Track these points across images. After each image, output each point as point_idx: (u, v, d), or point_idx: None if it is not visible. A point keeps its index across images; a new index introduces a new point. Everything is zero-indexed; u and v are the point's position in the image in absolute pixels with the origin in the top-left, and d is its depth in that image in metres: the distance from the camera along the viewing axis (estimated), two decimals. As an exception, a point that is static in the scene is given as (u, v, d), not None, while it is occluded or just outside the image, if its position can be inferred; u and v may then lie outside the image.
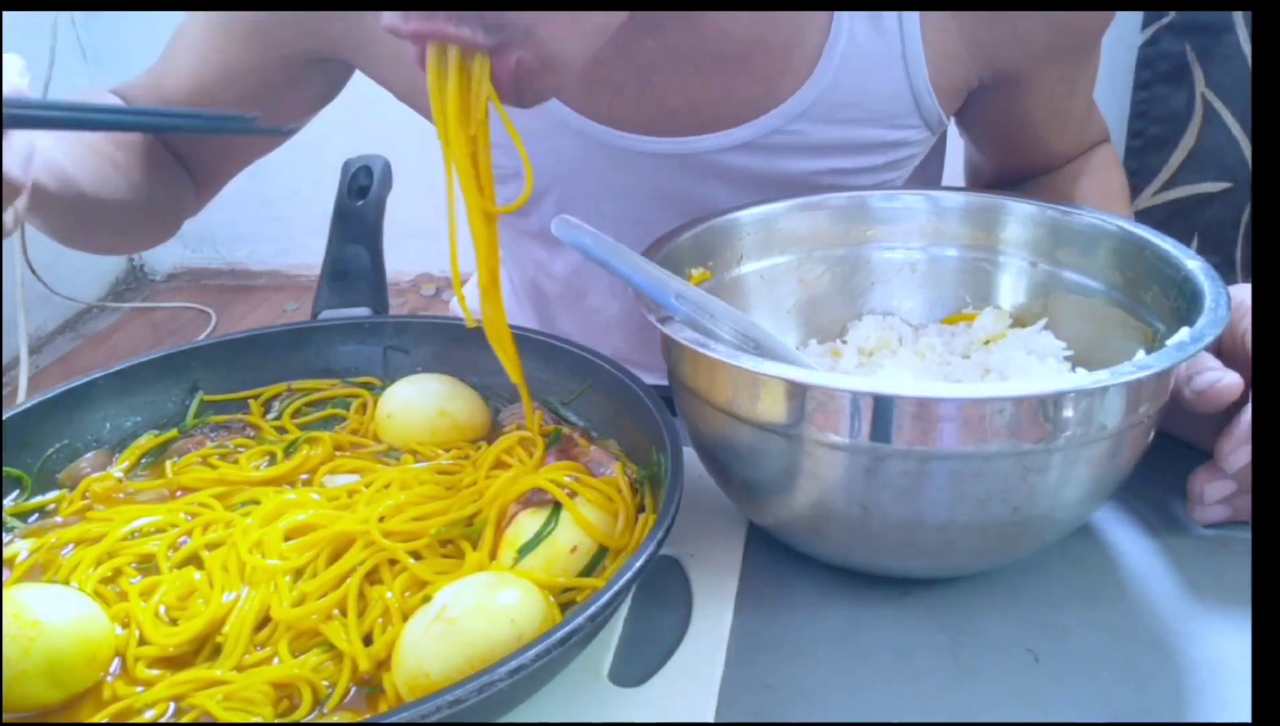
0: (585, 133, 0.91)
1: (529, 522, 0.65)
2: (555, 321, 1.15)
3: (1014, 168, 1.08)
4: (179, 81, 1.00)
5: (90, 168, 0.87)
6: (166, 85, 1.01)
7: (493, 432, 0.80)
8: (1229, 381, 0.66)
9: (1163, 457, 0.69)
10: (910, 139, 0.93)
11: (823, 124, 0.90)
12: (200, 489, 0.74)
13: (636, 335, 1.08)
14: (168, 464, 0.76)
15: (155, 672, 0.59)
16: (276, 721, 0.56)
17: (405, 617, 0.59)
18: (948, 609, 0.67)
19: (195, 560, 0.67)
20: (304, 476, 0.76)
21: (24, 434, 0.75)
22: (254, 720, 0.56)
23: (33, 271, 2.98)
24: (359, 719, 0.56)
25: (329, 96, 1.06)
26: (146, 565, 0.67)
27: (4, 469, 0.72)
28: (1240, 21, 1.83)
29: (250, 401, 0.84)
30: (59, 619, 0.58)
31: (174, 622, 0.62)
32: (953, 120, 1.01)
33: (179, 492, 0.74)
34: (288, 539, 0.66)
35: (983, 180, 1.13)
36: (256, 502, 0.71)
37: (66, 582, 0.64)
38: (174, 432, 0.80)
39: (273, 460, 0.77)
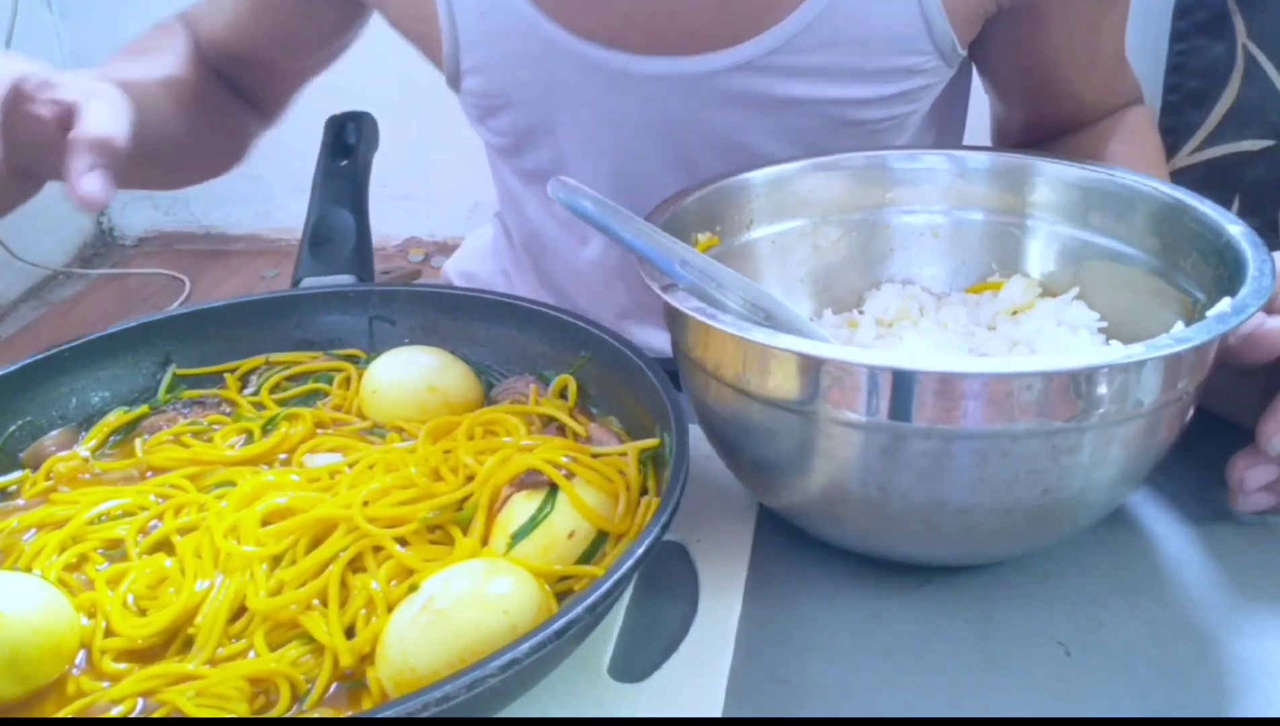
0: (578, 55, 0.91)
1: (523, 506, 0.64)
2: (555, 275, 1.16)
3: (1040, 120, 1.08)
4: (224, 12, 1.11)
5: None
6: (216, 16, 1.11)
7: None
8: (1275, 324, 0.65)
9: (1203, 437, 0.68)
10: (922, 66, 0.92)
11: (826, 46, 0.89)
12: (172, 469, 0.73)
13: (641, 286, 1.08)
14: (137, 442, 0.76)
15: (123, 666, 0.59)
16: (253, 717, 0.56)
17: (390, 608, 0.58)
18: (972, 599, 0.66)
19: (166, 546, 0.66)
20: (282, 456, 0.75)
21: (-17, 410, 0.74)
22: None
23: (-5, 235, 2.99)
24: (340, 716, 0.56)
25: (346, 30, 1.13)
26: (114, 551, 0.66)
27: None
28: (1286, -33, 1.82)
29: (226, 375, 0.83)
30: (20, 609, 0.57)
31: (143, 613, 0.61)
32: (976, 74, 1.01)
33: (149, 473, 0.73)
34: (265, 523, 0.65)
35: (1010, 139, 1.12)
36: (232, 484, 0.70)
37: (29, 569, 0.64)
38: (144, 408, 0.80)
39: (249, 438, 0.76)
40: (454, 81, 1.01)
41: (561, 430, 0.74)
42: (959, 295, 0.82)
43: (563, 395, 0.78)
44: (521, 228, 1.17)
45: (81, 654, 0.60)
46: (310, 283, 0.88)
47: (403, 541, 0.64)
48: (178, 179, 1.19)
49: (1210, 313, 0.59)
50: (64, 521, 0.67)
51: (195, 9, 1.13)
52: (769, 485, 0.69)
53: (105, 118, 0.72)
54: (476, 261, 1.32)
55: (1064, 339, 0.73)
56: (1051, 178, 0.80)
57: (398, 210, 3.25)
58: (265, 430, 0.77)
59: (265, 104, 1.20)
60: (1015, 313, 0.78)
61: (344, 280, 0.88)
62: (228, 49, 1.12)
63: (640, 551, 0.56)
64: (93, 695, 0.57)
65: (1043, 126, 1.08)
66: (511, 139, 1.03)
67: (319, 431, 0.77)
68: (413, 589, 0.59)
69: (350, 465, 0.71)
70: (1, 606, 0.57)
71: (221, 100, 1.14)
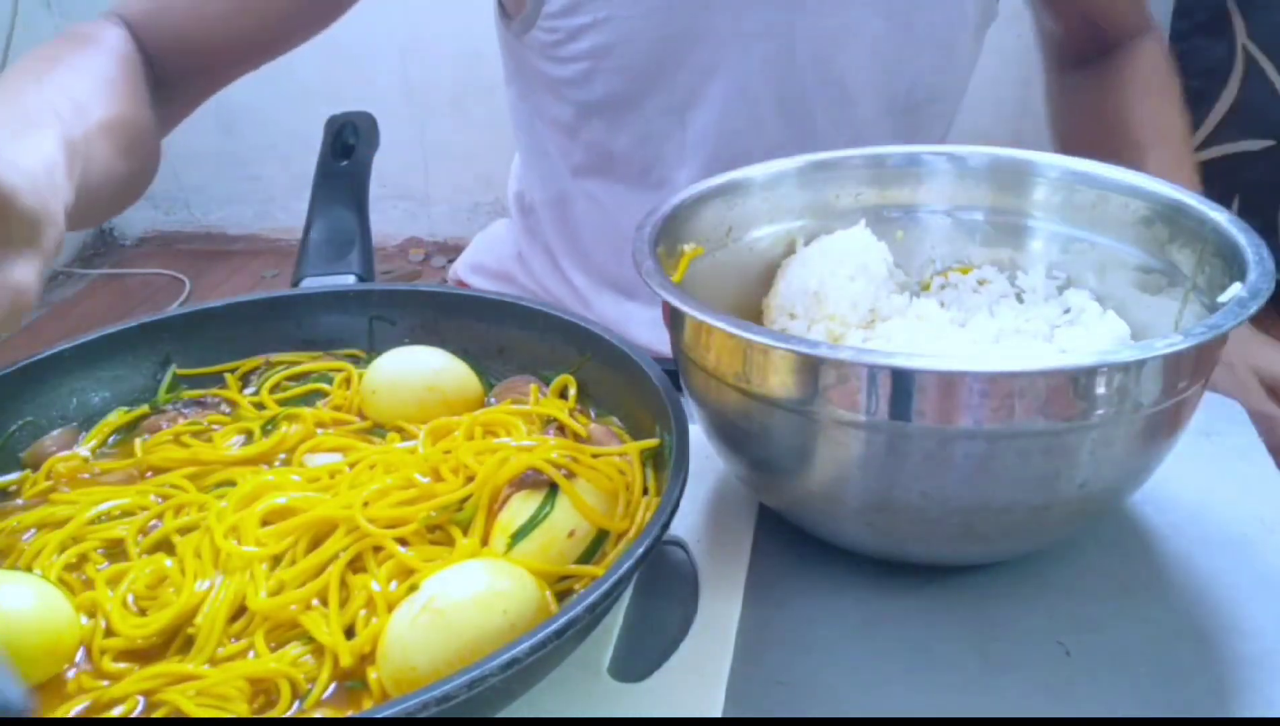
0: None
1: (523, 506, 0.64)
2: (580, 235, 1.18)
3: (1074, 31, 1.21)
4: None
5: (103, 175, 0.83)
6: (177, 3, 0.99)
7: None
8: None
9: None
10: None
11: None
12: (172, 469, 0.73)
13: None
14: (137, 442, 0.76)
15: (123, 666, 0.59)
16: (254, 717, 0.56)
17: (390, 608, 0.58)
18: (973, 599, 0.66)
19: (166, 545, 0.66)
20: (282, 456, 0.75)
21: (-17, 410, 0.74)
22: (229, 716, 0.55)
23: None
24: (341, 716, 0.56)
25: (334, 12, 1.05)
26: (114, 551, 0.66)
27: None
28: (1285, -33, 1.82)
29: (226, 375, 0.83)
30: (17, 606, 0.57)
31: (143, 613, 0.61)
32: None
33: (149, 473, 0.73)
34: (265, 523, 0.65)
35: (1051, 51, 1.26)
36: (232, 484, 0.70)
37: (29, 569, 0.64)
38: (144, 408, 0.80)
39: (249, 438, 0.76)
40: (535, 6, 1.02)
41: (562, 430, 0.73)
42: (924, 296, 0.82)
43: (563, 395, 0.78)
44: (548, 188, 1.18)
45: (81, 653, 0.60)
46: (310, 283, 0.88)
47: (403, 541, 0.64)
48: (100, 219, 1.00)
49: (1223, 297, 0.59)
50: (64, 521, 0.67)
51: (128, 5, 0.99)
52: (769, 485, 0.69)
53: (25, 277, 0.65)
54: (486, 253, 1.33)
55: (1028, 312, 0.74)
56: (1051, 176, 0.80)
57: (398, 210, 3.25)
58: (265, 430, 0.77)
59: (184, 106, 1.05)
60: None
61: (344, 280, 0.88)
62: (196, 37, 1.00)
63: (640, 551, 0.56)
64: (93, 692, 0.57)
65: (1076, 39, 1.21)
66: (587, 63, 1.03)
67: (319, 431, 0.77)
68: (413, 589, 0.58)
69: (350, 465, 0.71)
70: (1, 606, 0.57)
71: (154, 135, 0.95)
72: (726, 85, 1.02)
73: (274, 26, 1.03)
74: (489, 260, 1.31)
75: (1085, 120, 1.21)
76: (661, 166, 1.09)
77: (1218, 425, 0.80)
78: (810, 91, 1.02)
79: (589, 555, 0.63)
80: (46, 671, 0.58)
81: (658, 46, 1.00)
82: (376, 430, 0.77)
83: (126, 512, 0.69)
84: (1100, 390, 0.56)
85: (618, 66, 1.02)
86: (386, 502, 0.65)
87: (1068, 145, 1.12)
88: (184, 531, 0.67)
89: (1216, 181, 1.88)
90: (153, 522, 0.68)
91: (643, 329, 1.13)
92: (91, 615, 0.61)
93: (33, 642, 0.57)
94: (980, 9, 1.04)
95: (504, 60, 1.15)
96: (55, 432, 0.77)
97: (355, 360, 0.84)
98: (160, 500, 0.69)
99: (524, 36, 1.05)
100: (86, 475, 0.73)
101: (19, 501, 0.72)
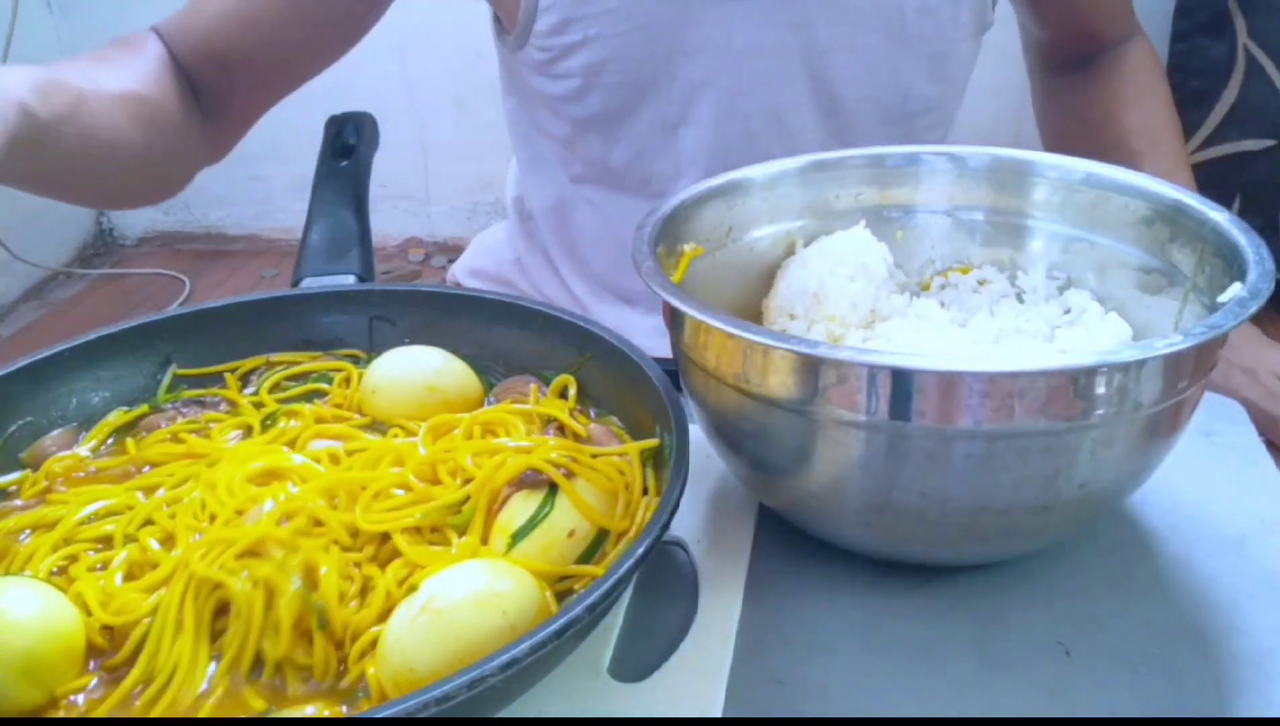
0: None
1: (523, 506, 0.64)
2: (578, 243, 1.18)
3: (1062, 37, 1.21)
4: (220, 5, 1.02)
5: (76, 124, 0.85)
6: (206, 9, 1.02)
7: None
8: None
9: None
10: None
11: None
12: (167, 463, 0.73)
13: None
14: (130, 440, 0.76)
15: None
16: (253, 717, 0.56)
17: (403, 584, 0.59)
18: (973, 599, 0.66)
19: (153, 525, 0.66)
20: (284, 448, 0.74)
21: (-17, 410, 0.74)
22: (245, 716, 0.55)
23: (-6, 235, 2.97)
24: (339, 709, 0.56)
25: (363, 19, 1.07)
26: (106, 550, 0.65)
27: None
28: (1286, -33, 1.82)
29: (226, 375, 0.83)
30: (27, 613, 0.57)
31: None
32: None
33: (146, 467, 0.73)
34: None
35: (1036, 56, 1.26)
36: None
37: (21, 572, 0.63)
38: (144, 408, 0.79)
39: (247, 433, 0.76)
40: (526, 24, 1.02)
41: (561, 430, 0.73)
42: (924, 297, 0.82)
43: (563, 395, 0.78)
44: (547, 195, 1.18)
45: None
46: (310, 283, 0.88)
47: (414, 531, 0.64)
48: (114, 198, 1.11)
49: (1224, 297, 0.59)
50: (57, 522, 0.67)
51: (181, 11, 1.04)
52: (769, 485, 0.69)
53: None
54: (485, 257, 1.33)
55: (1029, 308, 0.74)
56: (1051, 176, 0.80)
57: (398, 210, 3.24)
58: (264, 426, 0.76)
59: (232, 122, 1.09)
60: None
61: (344, 280, 0.88)
62: (221, 45, 1.02)
63: (640, 551, 0.56)
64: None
65: (1063, 45, 1.21)
66: (580, 80, 1.04)
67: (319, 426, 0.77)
68: (412, 589, 0.58)
69: (349, 453, 0.70)
70: (10, 612, 0.57)
71: (179, 125, 1.00)
72: (718, 100, 1.02)
73: (300, 35, 1.05)
74: (488, 265, 1.31)
75: (1075, 126, 1.20)
76: (659, 179, 1.09)
77: (1218, 425, 0.80)
78: (803, 105, 1.03)
79: (589, 555, 0.63)
80: (64, 675, 0.57)
81: (647, 63, 1.01)
82: (377, 427, 0.77)
83: (112, 512, 0.68)
84: (1100, 390, 0.56)
85: (609, 83, 1.02)
86: (382, 507, 0.65)
87: (1058, 152, 1.13)
88: (171, 504, 0.67)
89: (1216, 181, 1.87)
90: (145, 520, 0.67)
91: (642, 336, 1.11)
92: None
93: (48, 647, 0.57)
94: (976, 16, 1.04)
95: (501, 74, 1.15)
96: (55, 433, 0.77)
97: (355, 360, 0.84)
98: (146, 499, 0.69)
99: (518, 53, 1.05)
100: (83, 473, 0.73)
101: (17, 502, 0.71)
